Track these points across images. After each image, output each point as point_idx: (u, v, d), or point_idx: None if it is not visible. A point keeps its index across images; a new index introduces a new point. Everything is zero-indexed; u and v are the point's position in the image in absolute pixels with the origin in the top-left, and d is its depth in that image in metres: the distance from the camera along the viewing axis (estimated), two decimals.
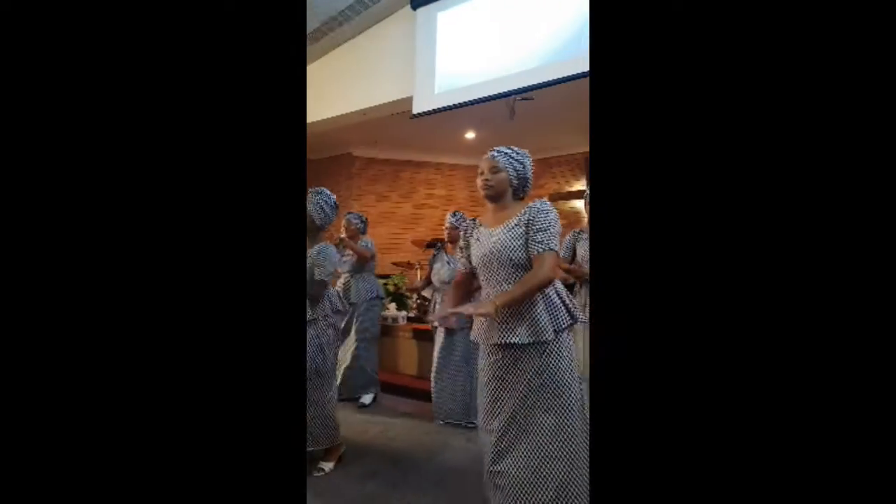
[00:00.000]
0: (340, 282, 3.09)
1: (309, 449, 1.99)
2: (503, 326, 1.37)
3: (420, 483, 1.99)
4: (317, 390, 2.02)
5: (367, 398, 3.04)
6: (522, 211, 1.40)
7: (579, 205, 6.09)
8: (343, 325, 3.00)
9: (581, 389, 1.41)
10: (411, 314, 3.97)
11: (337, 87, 4.23)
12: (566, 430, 1.36)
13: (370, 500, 1.85)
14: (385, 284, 3.87)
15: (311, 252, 2.02)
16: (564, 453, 1.35)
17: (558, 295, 1.41)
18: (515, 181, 1.44)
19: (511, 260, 1.37)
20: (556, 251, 1.36)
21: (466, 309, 1.22)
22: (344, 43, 4.25)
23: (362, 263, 3.03)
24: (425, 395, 2.88)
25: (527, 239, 1.36)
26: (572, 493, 1.34)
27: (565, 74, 3.11)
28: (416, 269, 4.54)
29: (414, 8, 3.83)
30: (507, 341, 1.36)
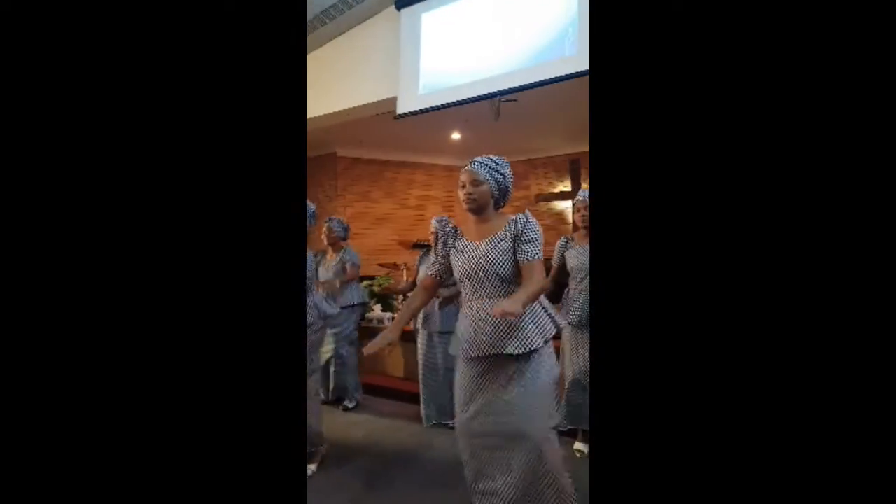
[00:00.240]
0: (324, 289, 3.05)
1: None
2: (492, 338, 1.37)
3: (405, 485, 1.98)
4: None
5: (350, 402, 3.02)
6: (507, 225, 1.42)
7: (563, 206, 6.14)
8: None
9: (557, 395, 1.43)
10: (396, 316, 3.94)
11: (321, 87, 4.18)
12: (541, 440, 1.36)
13: None
14: (370, 286, 3.84)
15: None
16: (550, 463, 1.36)
17: (541, 305, 1.43)
18: (497, 192, 1.45)
19: (498, 275, 1.39)
20: (542, 260, 1.41)
21: (496, 313, 1.21)
22: (328, 42, 4.21)
23: (352, 277, 3.02)
24: (411, 397, 2.87)
25: (514, 251, 1.39)
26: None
27: (549, 76, 3.13)
28: (402, 269, 4.52)
29: (398, 8, 3.82)
30: (499, 352, 1.36)
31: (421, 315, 2.70)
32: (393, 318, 3.85)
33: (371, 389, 3.26)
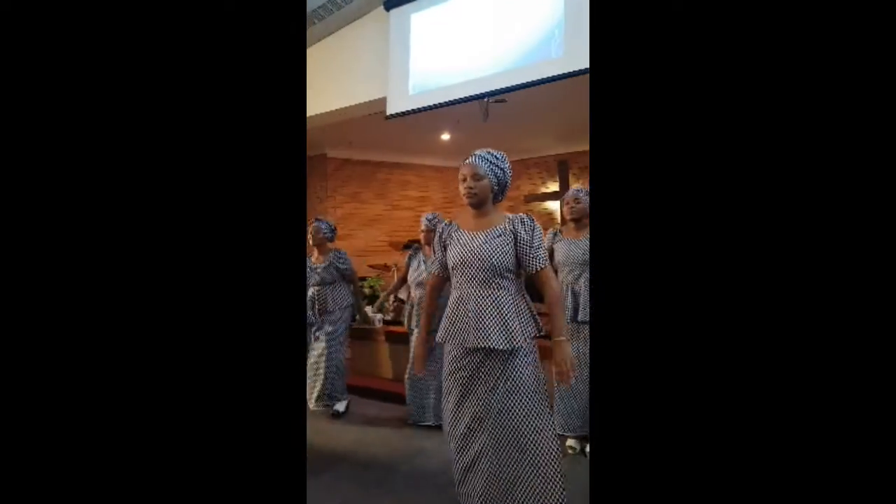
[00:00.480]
0: (312, 292, 3.01)
1: None
2: (478, 330, 1.38)
3: (394, 488, 1.97)
4: None
5: (340, 406, 2.99)
6: (507, 220, 1.45)
7: (552, 206, 6.17)
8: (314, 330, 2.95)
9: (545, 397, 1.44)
10: (388, 317, 3.94)
11: (310, 88, 4.14)
12: (534, 439, 1.37)
13: None
14: (361, 287, 3.83)
15: None
16: (535, 463, 1.37)
17: (527, 305, 1.45)
18: (496, 187, 1.47)
19: (493, 265, 1.40)
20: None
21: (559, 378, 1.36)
22: (317, 43, 4.19)
23: (349, 280, 3.00)
24: (400, 399, 2.86)
25: (517, 251, 1.41)
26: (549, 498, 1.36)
27: (536, 77, 3.15)
28: (393, 271, 4.51)
29: (387, 9, 3.82)
30: (482, 345, 1.37)
31: (414, 316, 2.70)
32: (383, 320, 3.85)
33: (361, 392, 3.24)
